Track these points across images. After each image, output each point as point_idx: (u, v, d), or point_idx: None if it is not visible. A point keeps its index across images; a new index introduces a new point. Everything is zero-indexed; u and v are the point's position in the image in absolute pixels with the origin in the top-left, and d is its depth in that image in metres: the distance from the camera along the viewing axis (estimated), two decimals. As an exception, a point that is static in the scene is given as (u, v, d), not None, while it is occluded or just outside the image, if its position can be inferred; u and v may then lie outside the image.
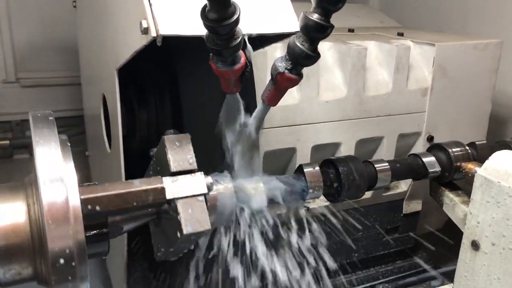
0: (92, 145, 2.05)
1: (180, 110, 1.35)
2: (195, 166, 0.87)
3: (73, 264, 0.76)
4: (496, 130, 2.07)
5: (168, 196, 0.83)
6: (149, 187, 0.85)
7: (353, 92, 1.56)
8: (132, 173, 1.34)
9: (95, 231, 0.86)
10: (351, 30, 1.90)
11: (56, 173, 0.78)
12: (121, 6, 1.10)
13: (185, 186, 0.84)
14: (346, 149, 1.60)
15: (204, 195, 0.84)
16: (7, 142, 3.01)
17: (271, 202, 0.99)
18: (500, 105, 2.10)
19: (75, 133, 2.92)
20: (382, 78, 1.64)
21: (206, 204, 0.84)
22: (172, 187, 0.84)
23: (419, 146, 1.76)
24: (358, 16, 2.18)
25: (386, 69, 1.65)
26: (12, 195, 0.82)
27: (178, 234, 0.82)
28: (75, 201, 0.79)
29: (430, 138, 1.75)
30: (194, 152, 1.30)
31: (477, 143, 1.27)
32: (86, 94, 2.14)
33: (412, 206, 1.85)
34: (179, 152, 0.88)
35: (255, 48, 1.12)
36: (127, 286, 1.48)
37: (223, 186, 0.96)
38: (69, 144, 0.84)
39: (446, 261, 2.08)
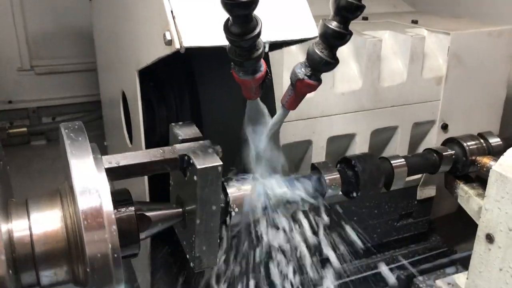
0: (111, 136, 2.09)
1: (199, 107, 1.37)
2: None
3: (109, 267, 0.81)
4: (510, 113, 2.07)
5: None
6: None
7: (369, 83, 1.58)
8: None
9: (127, 235, 0.91)
10: (365, 18, 1.90)
11: (90, 183, 0.82)
12: (144, 13, 1.12)
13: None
14: (361, 140, 1.63)
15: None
16: (25, 129, 3.06)
17: (292, 202, 1.03)
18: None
19: (91, 118, 2.96)
20: (397, 68, 1.66)
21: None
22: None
23: (434, 134, 1.78)
24: (371, 0, 2.17)
25: (401, 58, 1.66)
26: (49, 203, 0.87)
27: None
28: (108, 208, 0.84)
29: (444, 126, 1.76)
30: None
31: (491, 137, 1.29)
32: (103, 83, 2.17)
33: (426, 192, 1.88)
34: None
35: (272, 49, 1.14)
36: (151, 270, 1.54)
37: (246, 187, 1.00)
38: (100, 156, 0.88)
39: (459, 242, 2.14)
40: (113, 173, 0.94)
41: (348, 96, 1.56)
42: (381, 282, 1.76)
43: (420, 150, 1.83)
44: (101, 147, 2.29)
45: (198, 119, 1.38)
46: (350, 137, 1.62)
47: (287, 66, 1.45)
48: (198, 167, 0.90)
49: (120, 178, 0.96)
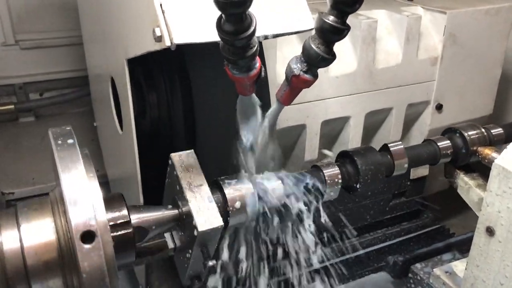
0: (100, 116, 2.04)
1: (190, 92, 1.33)
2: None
3: (104, 279, 0.78)
4: (506, 89, 2.04)
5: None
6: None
7: (363, 66, 1.54)
8: (144, 153, 1.35)
9: (123, 244, 0.88)
10: (359, -6, 1.84)
11: (81, 193, 0.78)
12: (132, 3, 1.06)
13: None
14: (355, 122, 1.60)
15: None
16: (12, 106, 2.99)
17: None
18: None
19: (80, 95, 2.88)
20: (392, 49, 1.62)
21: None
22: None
23: (428, 114, 1.76)
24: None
25: (396, 39, 1.62)
26: (39, 213, 0.84)
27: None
28: (101, 218, 0.81)
29: (439, 106, 1.74)
30: (206, 142, 1.31)
31: (492, 126, 1.26)
32: (90, 59, 2.10)
33: (419, 171, 1.87)
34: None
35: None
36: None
37: (244, 188, 0.97)
38: (91, 162, 0.84)
39: (450, 218, 2.15)
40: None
41: (343, 79, 1.53)
42: (375, 262, 1.78)
43: (414, 130, 1.83)
44: (91, 128, 2.24)
45: (189, 106, 1.35)
46: (344, 120, 1.60)
47: (280, 46, 1.41)
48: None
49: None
